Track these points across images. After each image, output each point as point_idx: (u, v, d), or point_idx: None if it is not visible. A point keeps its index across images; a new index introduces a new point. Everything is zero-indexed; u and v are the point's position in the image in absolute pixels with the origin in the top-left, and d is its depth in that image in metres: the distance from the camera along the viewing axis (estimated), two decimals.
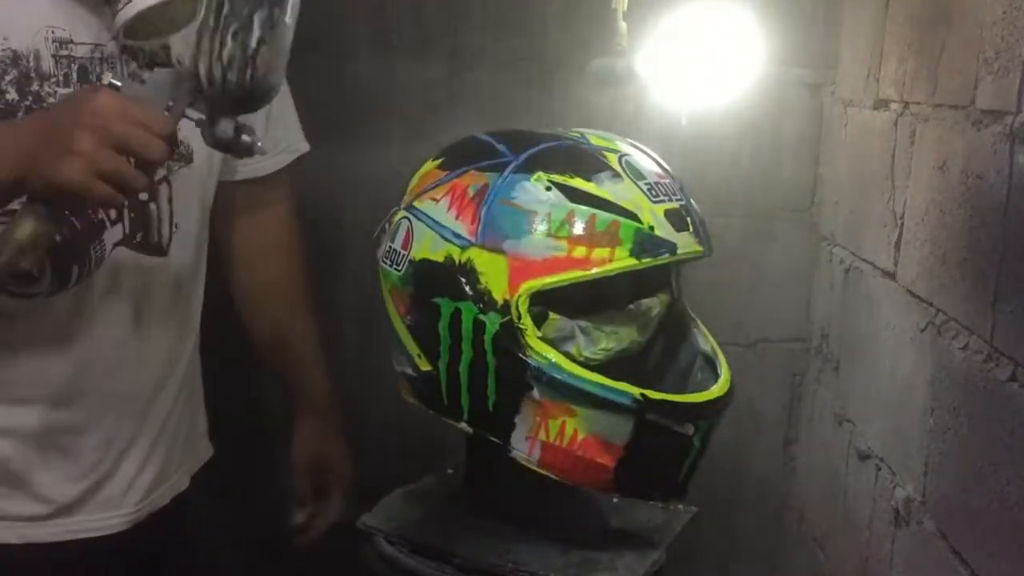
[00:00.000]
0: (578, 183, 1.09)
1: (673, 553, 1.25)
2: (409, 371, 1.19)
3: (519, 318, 1.07)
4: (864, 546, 1.54)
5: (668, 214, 1.11)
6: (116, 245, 1.15)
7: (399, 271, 1.15)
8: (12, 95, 1.07)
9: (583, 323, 1.13)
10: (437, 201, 1.13)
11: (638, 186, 1.11)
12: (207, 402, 1.39)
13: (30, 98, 1.08)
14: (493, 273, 1.08)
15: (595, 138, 1.18)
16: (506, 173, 1.10)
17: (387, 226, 1.20)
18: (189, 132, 1.08)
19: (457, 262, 1.10)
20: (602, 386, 1.08)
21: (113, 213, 1.14)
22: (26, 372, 1.14)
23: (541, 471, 1.11)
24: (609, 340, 1.14)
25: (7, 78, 1.07)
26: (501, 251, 1.08)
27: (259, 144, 0.98)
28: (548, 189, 1.09)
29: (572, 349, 1.12)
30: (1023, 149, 1.08)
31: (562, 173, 1.10)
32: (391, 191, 1.24)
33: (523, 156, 1.12)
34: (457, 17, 1.81)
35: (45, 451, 1.16)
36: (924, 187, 1.35)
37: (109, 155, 0.90)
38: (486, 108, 1.80)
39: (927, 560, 1.29)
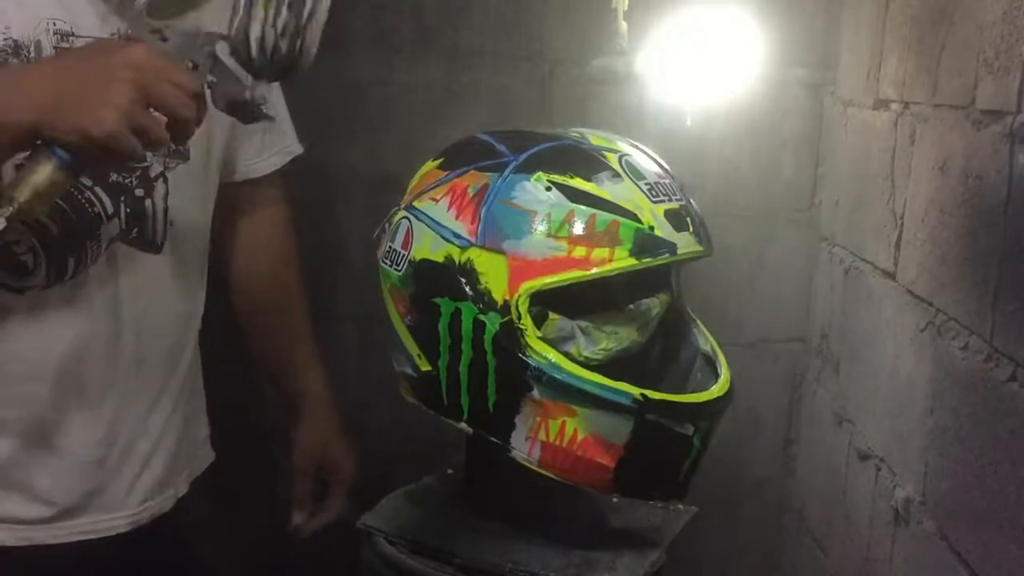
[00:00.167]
0: (578, 183, 1.09)
1: (673, 553, 1.25)
2: (409, 371, 1.19)
3: (519, 318, 1.07)
4: (864, 546, 1.54)
5: (668, 214, 1.11)
6: (112, 240, 1.14)
7: (399, 271, 1.15)
8: None
9: (583, 323, 1.13)
10: (437, 201, 1.13)
11: (638, 186, 1.11)
12: (209, 404, 1.39)
13: None
14: (493, 273, 1.08)
15: (595, 138, 1.18)
16: (506, 173, 1.10)
17: (387, 226, 1.20)
18: None
19: (457, 262, 1.10)
20: (602, 386, 1.08)
21: (109, 207, 1.13)
22: (22, 369, 1.13)
23: (541, 471, 1.11)
24: (609, 340, 1.14)
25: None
26: (501, 251, 1.08)
27: (265, 108, 0.99)
28: (548, 189, 1.09)
29: (572, 349, 1.12)
30: (1023, 149, 1.08)
31: (562, 173, 1.10)
32: (391, 191, 1.24)
33: (523, 156, 1.12)
34: (457, 17, 1.81)
35: (44, 451, 1.15)
36: (924, 187, 1.35)
37: (143, 110, 0.91)
38: (486, 108, 1.80)
39: (927, 560, 1.29)
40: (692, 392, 1.17)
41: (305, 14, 0.94)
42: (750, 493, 1.97)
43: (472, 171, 1.13)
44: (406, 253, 1.14)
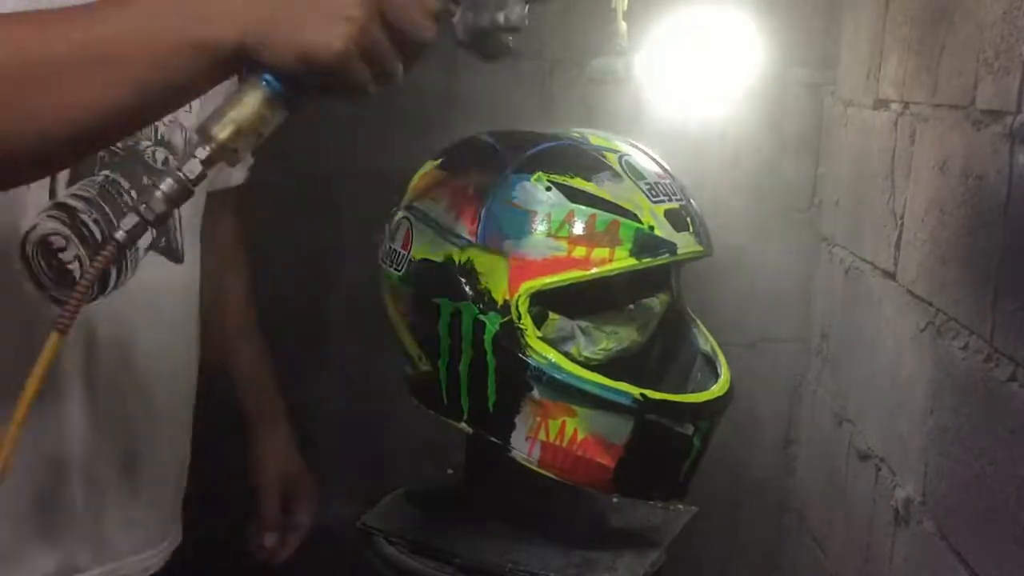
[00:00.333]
0: (578, 183, 1.09)
1: (673, 553, 1.25)
2: (409, 371, 1.19)
3: (519, 318, 1.07)
4: (864, 546, 1.54)
5: (668, 214, 1.11)
6: (148, 249, 1.07)
7: (399, 271, 1.15)
8: None
9: (583, 323, 1.13)
10: (437, 201, 1.13)
11: (638, 186, 1.11)
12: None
13: None
14: (493, 273, 1.08)
15: (595, 138, 1.18)
16: (506, 173, 1.10)
17: (387, 226, 1.20)
18: (192, 131, 1.05)
19: (457, 262, 1.10)
20: (602, 386, 1.08)
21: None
22: (69, 396, 1.04)
23: (541, 471, 1.11)
24: (609, 340, 1.14)
25: None
26: (501, 251, 1.08)
27: (512, 40, 0.85)
28: (548, 189, 1.09)
29: (572, 349, 1.12)
30: (1023, 149, 1.08)
31: (562, 173, 1.10)
32: (391, 191, 1.24)
33: (523, 156, 1.12)
34: None
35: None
36: (924, 187, 1.35)
37: (377, 28, 0.74)
38: (486, 108, 1.80)
39: (927, 560, 1.29)
40: (692, 392, 1.17)
41: None
42: (750, 493, 1.97)
43: (472, 171, 1.13)
44: (406, 253, 1.14)
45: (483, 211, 1.09)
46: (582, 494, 1.20)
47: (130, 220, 0.75)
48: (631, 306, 1.19)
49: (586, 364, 1.10)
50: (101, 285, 1.03)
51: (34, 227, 0.98)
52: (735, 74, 1.62)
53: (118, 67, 0.72)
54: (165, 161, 1.06)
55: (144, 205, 0.75)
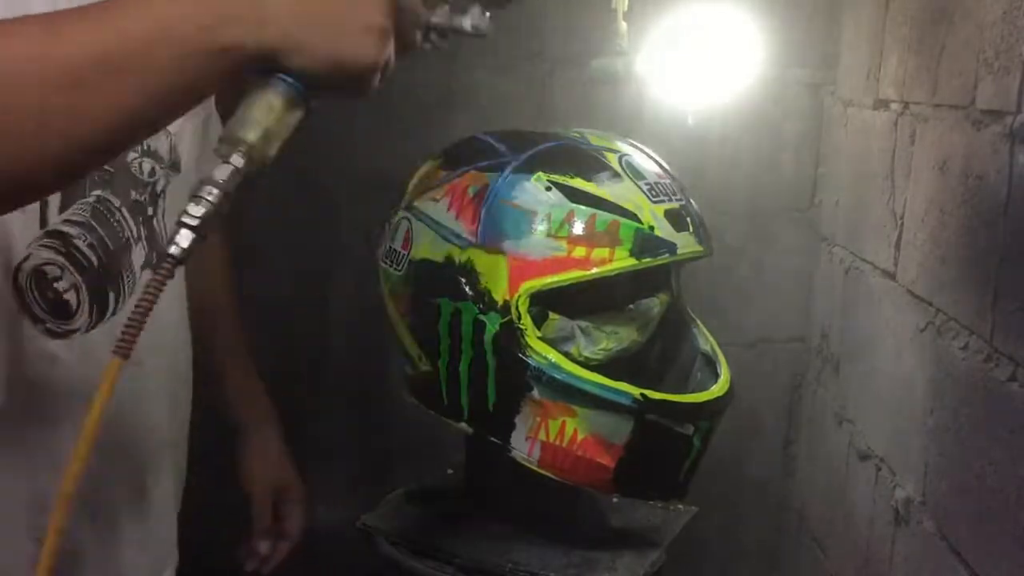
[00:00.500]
0: (578, 183, 1.09)
1: (673, 553, 1.25)
2: (409, 371, 1.19)
3: (519, 318, 1.07)
4: (864, 546, 1.54)
5: (668, 214, 1.11)
6: (142, 267, 1.02)
7: (399, 271, 1.15)
8: None
9: (583, 323, 1.13)
10: (437, 201, 1.13)
11: (638, 186, 1.11)
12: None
13: None
14: (493, 273, 1.08)
15: (595, 138, 1.18)
16: (506, 173, 1.10)
17: (387, 226, 1.20)
18: (177, 137, 1.03)
19: (457, 262, 1.10)
20: (602, 386, 1.08)
21: (135, 229, 1.01)
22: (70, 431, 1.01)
23: (541, 471, 1.11)
24: (609, 340, 1.14)
25: None
26: (501, 251, 1.08)
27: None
28: (548, 189, 1.09)
29: (572, 349, 1.12)
30: (1023, 149, 1.08)
31: (562, 173, 1.10)
32: (391, 191, 1.24)
33: (523, 156, 1.12)
34: None
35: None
36: (924, 187, 1.35)
37: (392, 34, 0.75)
38: (486, 108, 1.80)
39: (927, 560, 1.29)
40: (692, 392, 1.17)
41: None
42: (750, 493, 1.97)
43: (472, 171, 1.13)
44: (406, 253, 1.14)
45: (483, 211, 1.09)
46: (582, 494, 1.20)
47: (185, 237, 0.71)
48: (631, 306, 1.19)
49: (586, 364, 1.10)
50: (100, 312, 0.97)
51: (27, 258, 0.92)
52: (735, 74, 1.62)
53: (142, 73, 0.68)
54: (152, 172, 1.01)
55: (198, 220, 0.71)
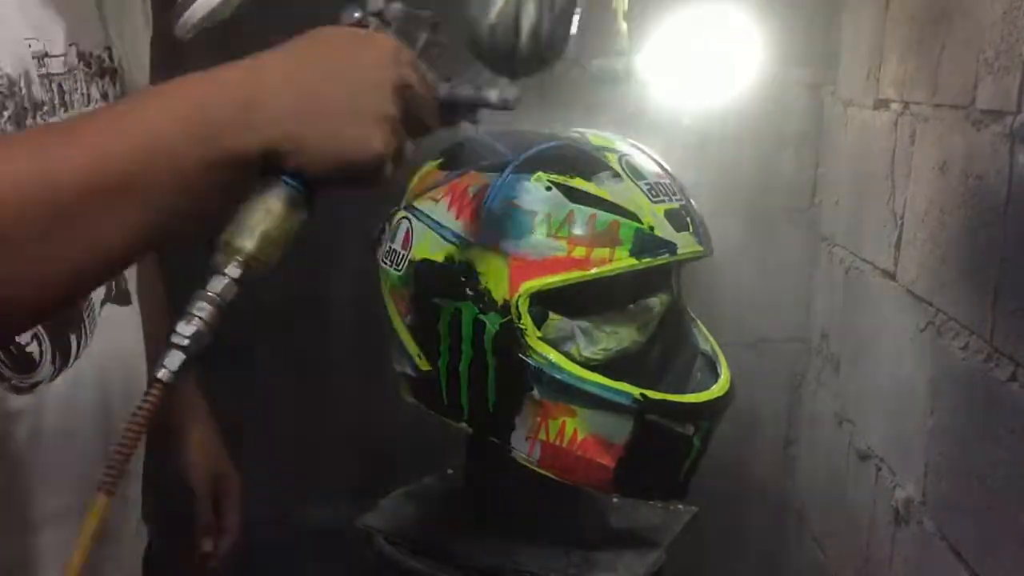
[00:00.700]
0: (578, 183, 1.09)
1: (673, 553, 1.25)
2: (409, 371, 1.19)
3: (519, 318, 1.07)
4: (864, 546, 1.54)
5: (668, 214, 1.11)
6: (103, 303, 0.94)
7: (399, 271, 1.15)
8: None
9: (583, 323, 1.13)
10: (437, 201, 1.13)
11: (638, 186, 1.11)
12: None
13: None
14: (493, 273, 1.08)
15: (595, 138, 1.18)
16: (506, 173, 1.10)
17: (387, 226, 1.20)
18: None
19: (457, 262, 1.10)
20: (602, 386, 1.08)
21: None
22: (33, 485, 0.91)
23: (541, 471, 1.11)
24: (609, 340, 1.14)
25: (5, 114, 0.79)
26: (501, 251, 1.08)
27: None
28: (548, 189, 1.09)
29: (572, 349, 1.11)
30: (1023, 149, 1.08)
31: (562, 173, 1.10)
32: (391, 191, 1.24)
33: (523, 156, 1.12)
34: (457, 16, 1.80)
35: None
36: (924, 187, 1.35)
37: (402, 124, 0.70)
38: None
39: (927, 560, 1.29)
40: (692, 392, 1.17)
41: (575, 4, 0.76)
42: (750, 493, 1.97)
43: (472, 171, 1.13)
44: (406, 253, 1.14)
45: (483, 211, 1.09)
46: (582, 494, 1.20)
47: (175, 358, 0.66)
48: (631, 306, 1.19)
49: (586, 364, 1.10)
50: (63, 358, 0.90)
51: None
52: (735, 74, 1.62)
53: (135, 193, 0.63)
54: None
55: (188, 340, 0.66)
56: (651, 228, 1.09)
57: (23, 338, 0.85)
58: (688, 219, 1.13)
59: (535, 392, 1.09)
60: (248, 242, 0.67)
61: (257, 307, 1.53)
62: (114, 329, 0.95)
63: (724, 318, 1.83)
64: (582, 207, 1.08)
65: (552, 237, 1.07)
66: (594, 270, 1.07)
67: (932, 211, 1.32)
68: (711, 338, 1.24)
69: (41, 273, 0.63)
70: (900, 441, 1.40)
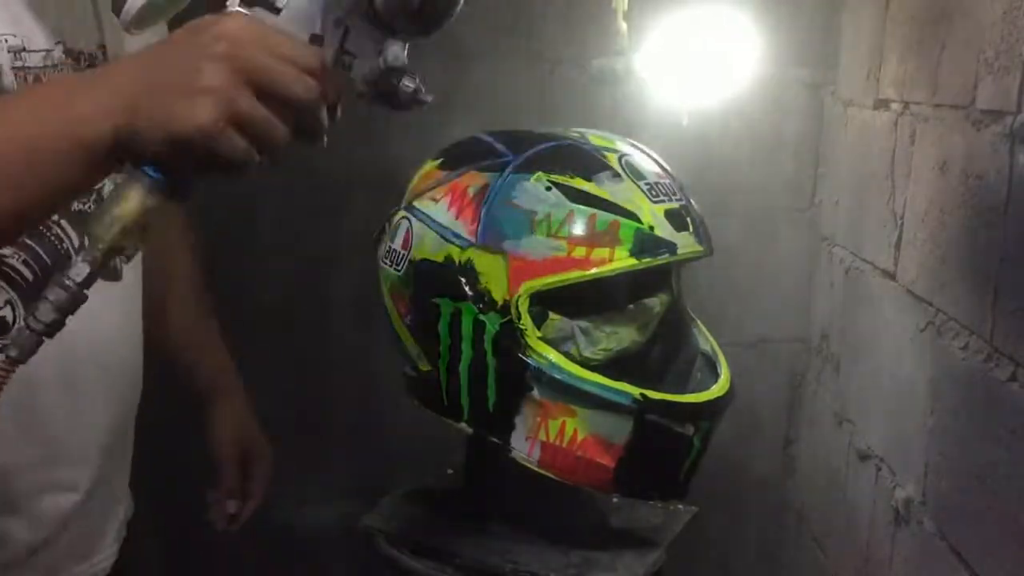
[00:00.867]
0: (578, 183, 1.09)
1: (673, 553, 1.25)
2: (409, 371, 1.19)
3: (519, 318, 1.07)
4: (864, 546, 1.54)
5: (668, 214, 1.11)
6: None
7: (399, 271, 1.15)
8: None
9: (583, 323, 1.13)
10: (437, 201, 1.13)
11: (638, 186, 1.11)
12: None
13: None
14: (493, 273, 1.08)
15: (595, 138, 1.18)
16: (506, 173, 1.10)
17: (387, 226, 1.20)
18: None
19: (457, 262, 1.10)
20: (602, 386, 1.08)
21: (76, 240, 1.00)
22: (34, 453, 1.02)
23: (541, 471, 1.11)
24: (609, 340, 1.14)
25: None
26: (501, 251, 1.08)
27: (415, 85, 0.83)
28: (548, 189, 1.09)
29: (572, 349, 1.11)
30: (1023, 149, 1.08)
31: (562, 173, 1.10)
32: (391, 191, 1.24)
33: (523, 156, 1.12)
34: (457, 16, 1.80)
35: None
36: (924, 187, 1.35)
37: (245, 94, 0.70)
38: (486, 108, 1.80)
39: (927, 560, 1.29)
40: (692, 392, 1.17)
41: None
42: (750, 493, 1.97)
43: (472, 171, 1.13)
44: (406, 253, 1.14)
45: (483, 211, 1.09)
46: (582, 494, 1.20)
47: (21, 336, 0.71)
48: (631, 306, 1.19)
49: (586, 364, 1.10)
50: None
51: None
52: (734, 74, 1.62)
53: (29, 168, 0.71)
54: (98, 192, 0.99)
55: (32, 317, 0.71)
56: (651, 228, 1.08)
57: None
58: (688, 219, 1.13)
59: (535, 392, 1.09)
60: (107, 232, 0.71)
61: (257, 307, 1.54)
62: (94, 304, 0.98)
63: (724, 318, 1.84)
64: (582, 207, 1.08)
65: (552, 237, 1.07)
66: (594, 270, 1.07)
67: (932, 211, 1.32)
68: (711, 338, 1.24)
69: None
70: (900, 441, 1.40)
